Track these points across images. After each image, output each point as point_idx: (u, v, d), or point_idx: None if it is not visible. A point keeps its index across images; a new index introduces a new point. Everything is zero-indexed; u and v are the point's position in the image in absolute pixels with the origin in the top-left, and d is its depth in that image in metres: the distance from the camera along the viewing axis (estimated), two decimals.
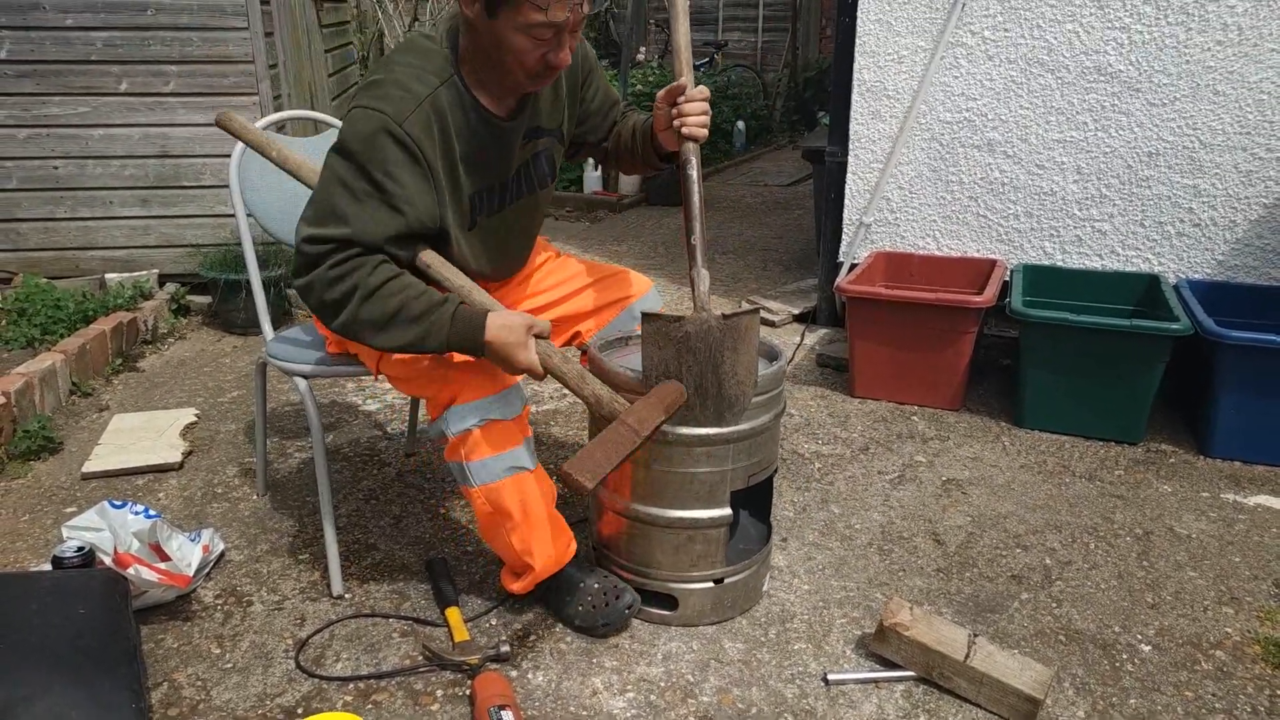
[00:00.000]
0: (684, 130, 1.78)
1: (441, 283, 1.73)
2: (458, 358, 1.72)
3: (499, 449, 1.72)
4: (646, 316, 1.68)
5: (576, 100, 1.91)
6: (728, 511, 1.80)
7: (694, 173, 1.78)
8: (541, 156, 1.87)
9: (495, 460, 1.72)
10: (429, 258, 1.74)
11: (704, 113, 1.79)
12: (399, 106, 1.61)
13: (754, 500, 1.98)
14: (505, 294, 2.02)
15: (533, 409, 2.92)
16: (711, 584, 1.85)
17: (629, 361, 1.81)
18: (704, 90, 1.80)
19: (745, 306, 3.68)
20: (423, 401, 2.44)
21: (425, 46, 1.69)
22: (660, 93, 1.82)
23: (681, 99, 1.78)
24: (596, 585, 1.85)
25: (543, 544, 1.80)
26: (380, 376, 1.87)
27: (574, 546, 1.87)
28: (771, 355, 1.89)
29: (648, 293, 2.11)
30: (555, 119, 1.87)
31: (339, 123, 2.35)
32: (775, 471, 1.92)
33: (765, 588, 1.98)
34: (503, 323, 1.63)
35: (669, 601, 1.86)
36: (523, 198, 1.87)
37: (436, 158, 1.66)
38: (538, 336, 1.65)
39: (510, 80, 1.67)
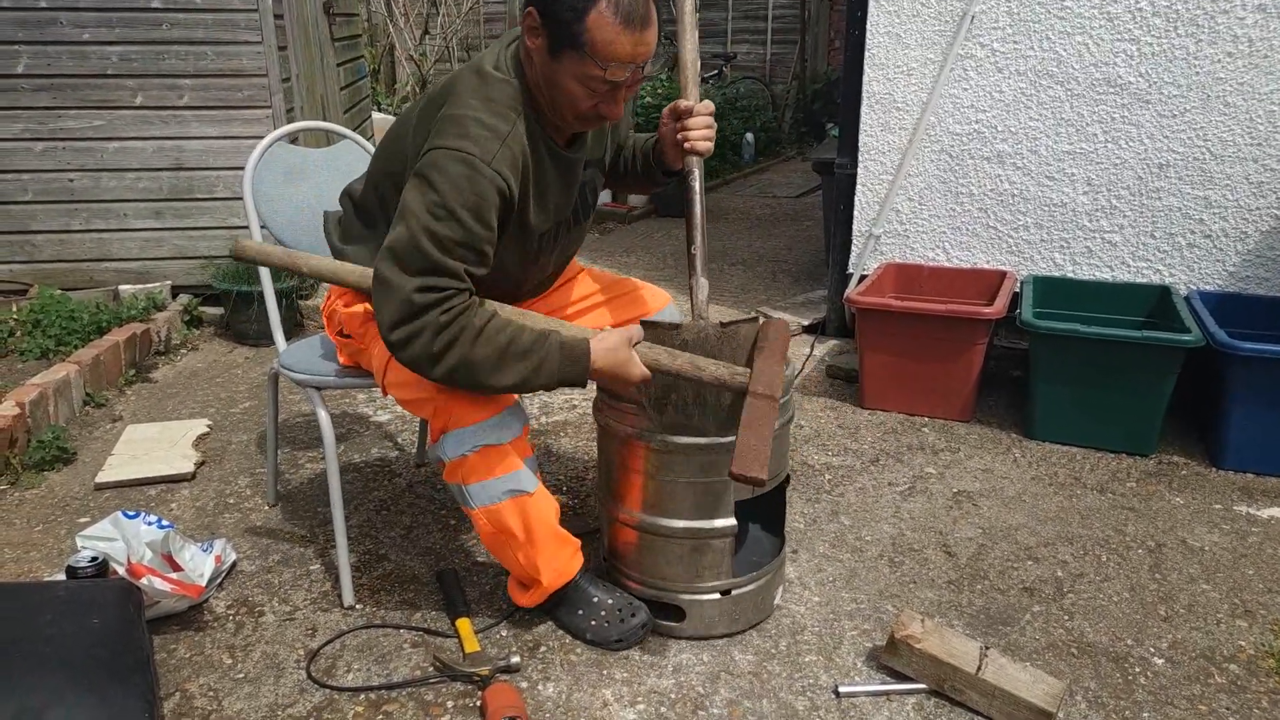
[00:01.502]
0: (687, 145, 1.80)
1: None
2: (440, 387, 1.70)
3: (496, 473, 1.71)
4: (645, 324, 1.70)
5: (616, 133, 1.95)
6: (732, 522, 1.80)
7: (696, 184, 1.81)
8: (586, 187, 1.88)
9: (495, 483, 1.72)
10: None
11: (708, 127, 1.80)
12: (485, 146, 1.57)
13: (767, 512, 1.98)
14: (525, 305, 2.03)
15: (542, 419, 2.92)
16: (719, 595, 1.84)
17: None
18: (709, 105, 1.81)
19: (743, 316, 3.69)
20: None
21: (494, 77, 1.64)
22: (665, 109, 1.84)
23: (686, 114, 1.80)
24: (611, 601, 1.85)
25: (548, 560, 1.80)
26: (389, 395, 1.88)
27: (581, 558, 1.87)
28: None
29: (665, 308, 2.13)
30: (599, 151, 1.89)
31: (351, 134, 2.39)
32: (787, 482, 1.92)
33: (778, 600, 1.97)
34: (606, 346, 1.63)
35: (677, 613, 1.86)
36: (571, 230, 1.88)
37: (519, 196, 1.64)
38: (635, 345, 1.65)
39: (557, 116, 1.67)
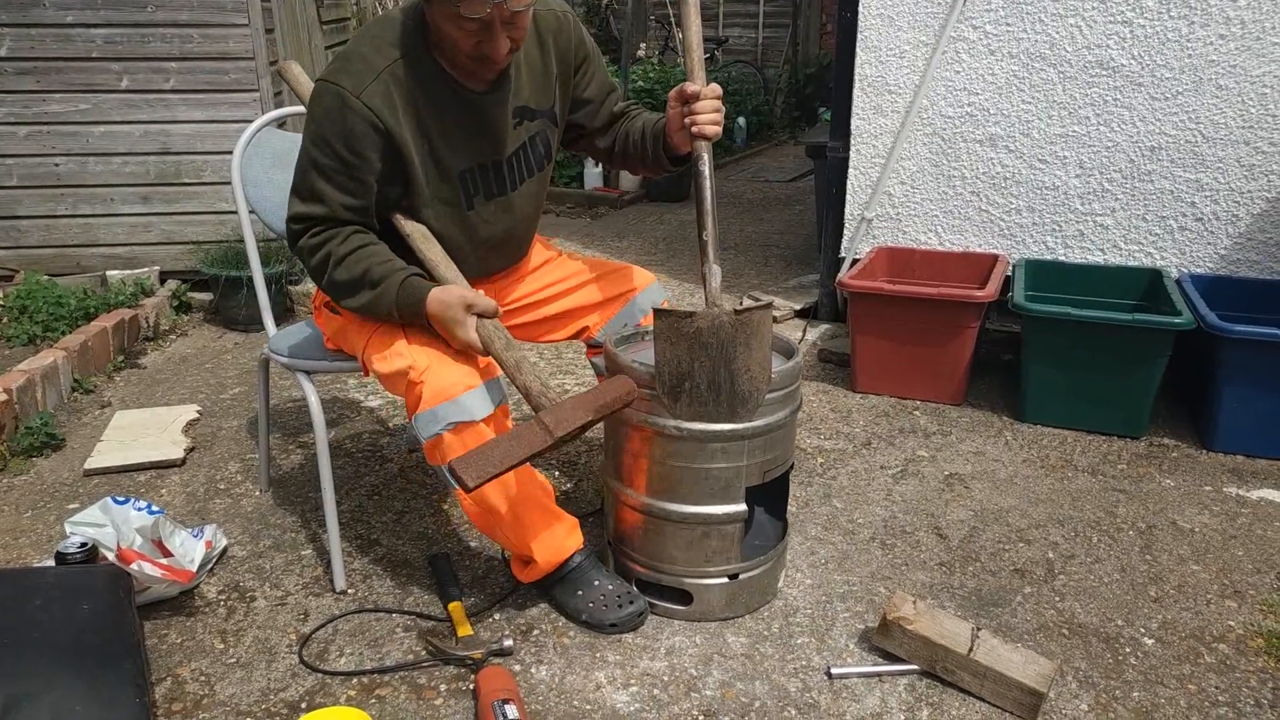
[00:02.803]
0: (694, 129, 1.77)
1: (418, 255, 1.78)
2: (418, 355, 1.72)
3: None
4: (659, 313, 1.68)
5: (569, 85, 1.90)
6: (743, 507, 1.80)
7: (706, 169, 1.77)
8: (537, 139, 1.87)
9: None
10: (409, 228, 1.79)
11: (716, 110, 1.78)
12: (358, 79, 1.64)
13: (769, 496, 1.97)
14: (500, 287, 2.01)
15: None
16: (726, 579, 1.84)
17: (644, 356, 1.81)
18: (716, 89, 1.79)
19: (748, 302, 3.68)
20: None
21: (389, 17, 1.72)
22: (672, 92, 1.81)
23: (694, 99, 1.77)
24: (611, 587, 1.85)
25: (539, 536, 1.80)
26: (371, 375, 1.87)
27: (578, 537, 1.87)
28: (788, 352, 1.88)
29: (650, 286, 2.10)
30: (545, 100, 1.86)
31: None
32: (791, 468, 1.92)
33: (780, 584, 1.97)
34: (442, 299, 1.70)
35: (684, 596, 1.86)
36: (524, 182, 1.87)
37: (402, 128, 1.68)
38: (481, 316, 1.70)
39: (455, 59, 1.68)
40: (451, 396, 1.67)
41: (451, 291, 1.71)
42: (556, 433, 1.60)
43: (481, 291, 1.76)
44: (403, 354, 1.73)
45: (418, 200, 1.77)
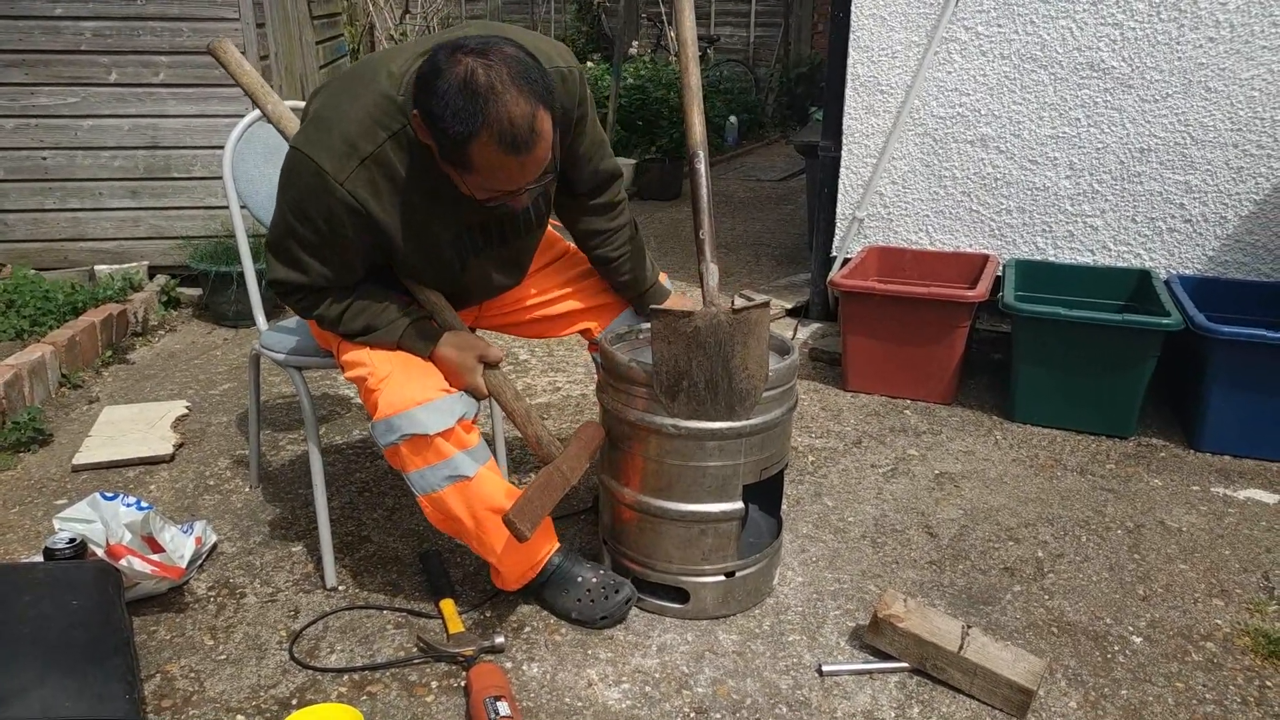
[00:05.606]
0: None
1: (429, 310, 1.77)
2: (379, 363, 1.71)
3: (430, 461, 1.68)
4: (655, 311, 1.68)
5: (566, 137, 1.77)
6: (740, 505, 1.80)
7: (702, 167, 1.77)
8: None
9: (431, 471, 1.69)
10: (415, 291, 1.78)
11: None
12: (340, 162, 1.54)
13: (763, 494, 1.98)
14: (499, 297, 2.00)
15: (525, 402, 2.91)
16: (723, 577, 1.85)
17: (641, 355, 1.81)
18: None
19: (739, 300, 3.68)
20: None
21: (379, 88, 1.56)
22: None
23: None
24: (595, 580, 1.85)
25: (509, 549, 1.77)
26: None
27: (552, 540, 1.86)
28: (783, 350, 1.89)
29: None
30: None
31: None
32: (787, 466, 1.92)
33: (775, 581, 1.98)
34: (457, 344, 1.73)
35: (680, 595, 1.86)
36: (519, 239, 1.83)
37: (386, 213, 1.61)
38: (489, 366, 1.74)
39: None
40: (405, 409, 1.65)
41: (464, 338, 1.73)
42: (571, 479, 1.76)
43: (488, 339, 1.76)
44: (364, 361, 1.72)
45: (405, 266, 1.73)
